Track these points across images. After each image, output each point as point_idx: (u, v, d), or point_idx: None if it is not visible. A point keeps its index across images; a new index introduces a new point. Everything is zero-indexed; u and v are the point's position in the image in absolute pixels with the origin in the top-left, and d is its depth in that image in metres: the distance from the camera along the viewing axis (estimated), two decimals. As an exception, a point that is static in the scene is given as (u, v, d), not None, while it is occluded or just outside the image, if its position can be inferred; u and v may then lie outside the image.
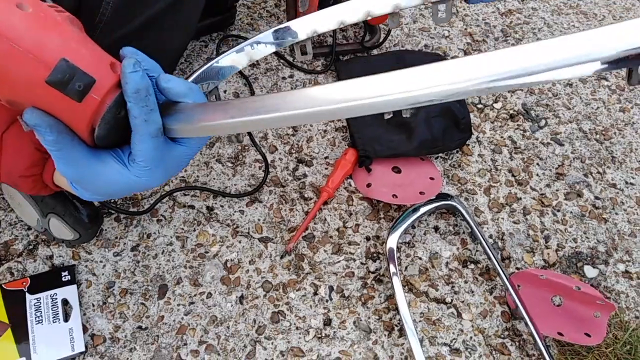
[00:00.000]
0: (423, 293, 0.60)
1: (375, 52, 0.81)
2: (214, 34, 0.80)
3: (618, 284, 0.63)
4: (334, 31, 0.76)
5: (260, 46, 0.41)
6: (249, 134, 0.68)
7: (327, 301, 0.58)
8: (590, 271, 0.64)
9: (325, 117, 0.27)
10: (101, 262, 0.57)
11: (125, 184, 0.31)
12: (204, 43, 0.79)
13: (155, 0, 0.53)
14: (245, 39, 0.81)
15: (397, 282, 0.58)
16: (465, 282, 0.61)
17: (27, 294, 0.52)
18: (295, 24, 0.40)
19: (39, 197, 0.51)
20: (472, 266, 0.62)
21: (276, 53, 0.78)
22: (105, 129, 0.29)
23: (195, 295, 0.56)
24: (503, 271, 0.59)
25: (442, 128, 0.68)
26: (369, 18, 0.37)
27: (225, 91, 0.74)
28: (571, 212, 0.68)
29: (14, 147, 0.35)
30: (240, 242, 0.61)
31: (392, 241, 0.61)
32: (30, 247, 0.57)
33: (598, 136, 0.76)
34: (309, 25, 0.39)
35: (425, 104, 0.24)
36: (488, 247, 0.61)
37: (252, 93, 0.73)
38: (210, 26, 0.78)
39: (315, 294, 0.58)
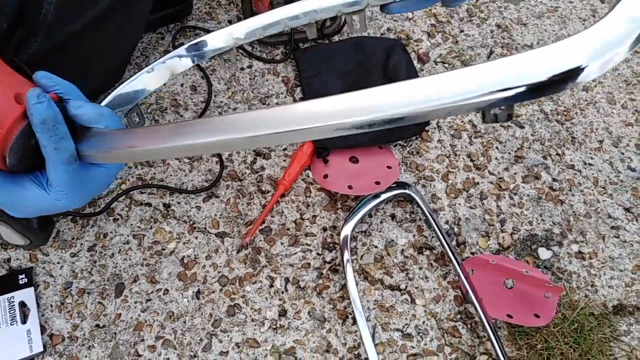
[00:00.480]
0: (378, 281, 0.61)
1: (336, 38, 0.79)
2: (171, 26, 0.79)
3: (571, 264, 0.64)
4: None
5: (173, 60, 0.40)
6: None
7: (282, 293, 0.59)
8: (544, 253, 0.65)
9: (234, 148, 0.28)
10: (58, 263, 0.58)
11: (47, 207, 0.32)
12: (160, 35, 0.78)
13: None
14: (203, 29, 0.80)
15: (349, 269, 0.59)
16: (420, 268, 0.63)
17: (-14, 298, 0.54)
18: (212, 37, 0.39)
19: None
20: (428, 252, 0.64)
21: (233, 43, 0.77)
22: (15, 158, 0.29)
23: (152, 292, 0.58)
24: (455, 257, 0.61)
25: (398, 116, 0.68)
26: (287, 30, 0.37)
27: (182, 84, 0.73)
28: (528, 195, 0.69)
29: None
30: (197, 238, 0.62)
31: (347, 230, 0.61)
32: (-11, 250, 0.58)
33: (559, 117, 0.76)
34: (230, 36, 0.39)
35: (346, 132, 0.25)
36: (442, 234, 0.62)
37: (210, 85, 0.73)
38: (166, 17, 0.77)
39: (271, 286, 0.60)
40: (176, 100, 0.71)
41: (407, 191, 0.65)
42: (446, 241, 0.62)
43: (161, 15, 0.76)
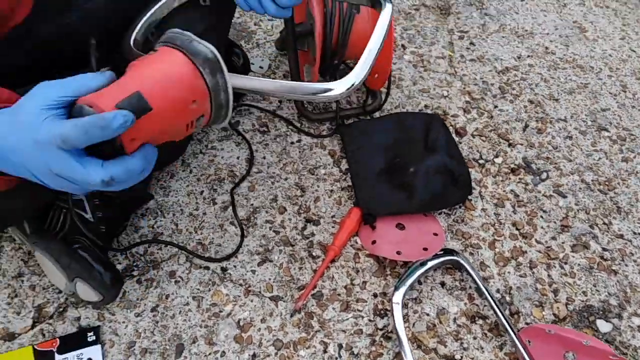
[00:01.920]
0: (432, 350, 0.61)
1: (377, 114, 0.86)
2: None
3: (634, 338, 0.62)
4: (339, 98, 0.82)
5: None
6: (234, 211, 0.71)
7: (336, 359, 0.59)
8: (603, 326, 0.63)
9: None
10: (123, 322, 0.61)
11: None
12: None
13: None
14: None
15: (404, 338, 0.59)
16: (474, 338, 0.62)
17: (56, 354, 0.56)
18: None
19: (66, 262, 0.57)
20: (481, 322, 0.63)
21: (284, 119, 0.85)
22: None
23: (210, 354, 0.59)
24: (511, 327, 0.60)
25: (440, 186, 0.71)
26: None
27: (238, 157, 0.80)
28: (579, 265, 0.68)
29: None
30: (252, 301, 0.64)
31: (397, 297, 0.62)
32: (61, 309, 0.62)
33: (601, 187, 0.78)
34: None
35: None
36: (494, 302, 0.62)
37: (252, 156, 0.79)
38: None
39: (325, 351, 0.60)
40: (232, 172, 0.78)
41: (455, 258, 0.66)
42: (500, 310, 0.61)
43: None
